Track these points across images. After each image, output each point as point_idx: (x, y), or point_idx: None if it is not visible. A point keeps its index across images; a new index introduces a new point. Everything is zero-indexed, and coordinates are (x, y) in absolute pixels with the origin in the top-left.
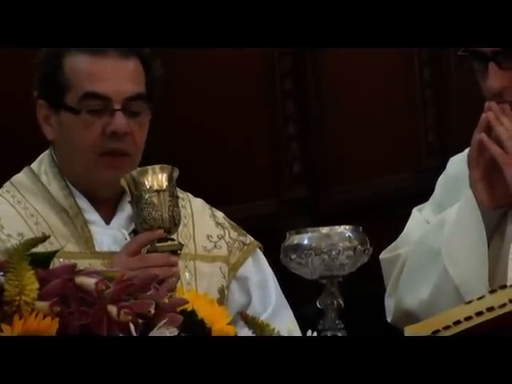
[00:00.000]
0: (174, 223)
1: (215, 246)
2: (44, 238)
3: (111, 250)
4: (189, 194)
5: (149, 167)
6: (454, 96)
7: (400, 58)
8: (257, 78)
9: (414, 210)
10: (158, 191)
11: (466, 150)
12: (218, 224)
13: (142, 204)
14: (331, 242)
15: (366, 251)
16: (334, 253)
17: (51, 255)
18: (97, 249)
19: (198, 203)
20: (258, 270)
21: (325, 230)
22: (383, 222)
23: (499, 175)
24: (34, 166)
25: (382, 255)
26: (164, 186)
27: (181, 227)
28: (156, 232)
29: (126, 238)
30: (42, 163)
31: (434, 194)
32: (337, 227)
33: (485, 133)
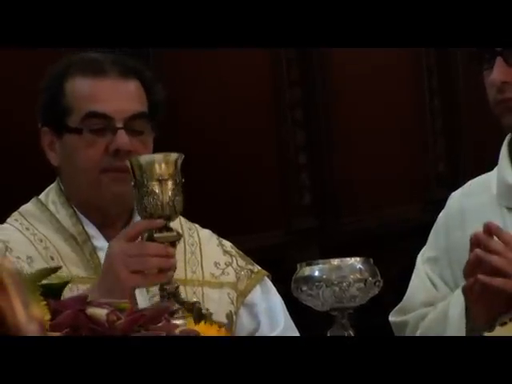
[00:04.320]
0: (175, 211)
1: (223, 273)
2: (55, 269)
3: None
4: (196, 225)
5: (155, 155)
6: (465, 127)
7: (410, 87)
8: (267, 107)
9: (419, 260)
10: (160, 180)
11: (466, 185)
12: (225, 252)
13: (144, 191)
14: (342, 274)
15: (377, 283)
16: (344, 285)
17: (62, 286)
18: None
19: (206, 233)
20: (266, 297)
21: (336, 261)
22: (393, 253)
23: (496, 293)
24: (41, 196)
25: (391, 317)
26: (168, 175)
27: (188, 255)
28: (156, 221)
29: None
30: (50, 193)
31: (435, 236)
32: (348, 259)
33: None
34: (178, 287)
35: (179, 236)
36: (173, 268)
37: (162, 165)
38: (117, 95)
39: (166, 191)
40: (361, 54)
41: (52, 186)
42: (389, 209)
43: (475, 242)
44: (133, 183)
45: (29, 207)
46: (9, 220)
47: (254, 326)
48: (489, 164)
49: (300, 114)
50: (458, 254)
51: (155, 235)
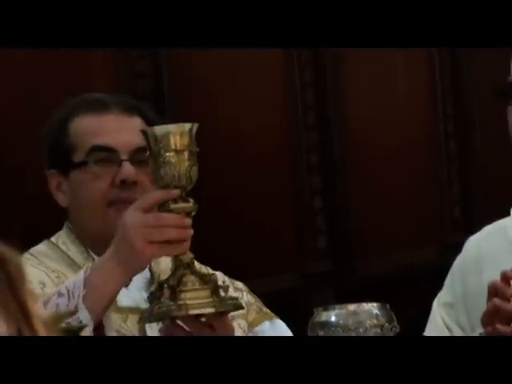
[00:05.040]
0: (191, 181)
1: None
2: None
3: (130, 306)
4: (208, 267)
5: (170, 125)
6: (480, 171)
7: (426, 131)
8: (283, 150)
9: (435, 305)
10: (177, 150)
11: (485, 229)
12: (236, 289)
13: (160, 162)
14: (359, 320)
15: (394, 329)
16: (361, 330)
17: (80, 329)
18: (117, 304)
19: (217, 274)
20: (276, 329)
21: (352, 306)
22: (409, 297)
23: None
24: (52, 238)
25: None
26: (184, 145)
27: None
28: (172, 191)
29: (145, 300)
30: (60, 235)
31: (451, 281)
32: (364, 304)
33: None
34: (193, 258)
35: (195, 207)
36: (189, 238)
37: (177, 135)
38: (121, 129)
39: (182, 161)
40: (376, 96)
41: (62, 230)
42: (404, 252)
43: (493, 291)
44: (148, 154)
45: (39, 247)
46: None
47: None
48: (505, 209)
49: (316, 158)
50: (475, 300)
51: (172, 206)
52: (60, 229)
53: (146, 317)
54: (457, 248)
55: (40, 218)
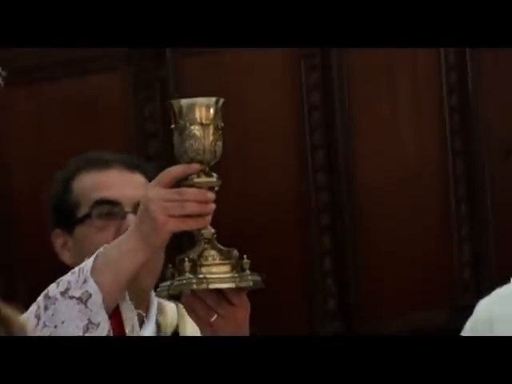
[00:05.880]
0: (215, 156)
1: None
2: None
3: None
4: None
5: (197, 99)
6: (491, 234)
7: (436, 194)
8: (294, 210)
9: None
10: (202, 124)
11: (497, 292)
12: None
13: (186, 135)
14: None
15: None
16: None
17: None
18: None
19: None
20: None
21: None
22: None
23: None
24: None
25: None
26: (209, 119)
27: None
28: (192, 165)
29: None
30: None
31: None
32: None
33: None
34: (214, 233)
35: (219, 182)
36: (210, 213)
37: (203, 108)
38: (123, 183)
39: (207, 135)
40: (387, 158)
41: None
42: (414, 314)
43: None
44: (173, 127)
45: None
46: None
47: None
48: None
49: (327, 219)
50: None
51: (195, 180)
52: None
53: (164, 289)
54: (466, 310)
55: (45, 279)
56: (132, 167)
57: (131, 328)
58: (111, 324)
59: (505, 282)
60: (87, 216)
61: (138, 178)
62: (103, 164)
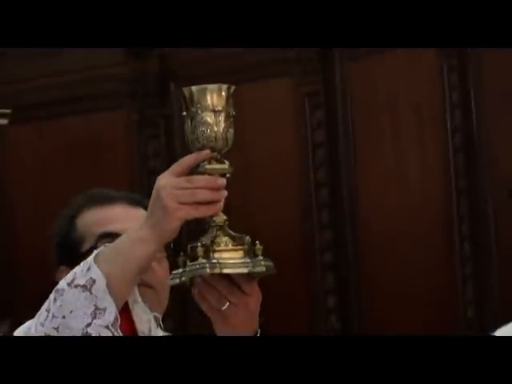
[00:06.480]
0: (227, 144)
1: None
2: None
3: None
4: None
5: (208, 85)
6: (495, 272)
7: (441, 232)
8: (297, 250)
9: None
10: (214, 111)
11: (501, 331)
12: None
13: (197, 122)
14: None
15: None
16: None
17: None
18: None
19: None
20: None
21: None
22: None
23: None
24: None
25: None
26: (221, 106)
27: None
28: (203, 152)
29: None
30: None
31: None
32: None
33: None
34: (226, 220)
35: (231, 169)
36: (222, 200)
37: (215, 94)
38: (127, 218)
39: (219, 122)
40: (390, 196)
41: None
42: None
43: None
44: (185, 114)
45: None
46: None
47: None
48: None
49: (330, 256)
50: None
51: (207, 166)
52: None
53: (177, 276)
54: None
55: None
56: (134, 203)
57: (148, 330)
58: (121, 326)
59: (508, 321)
60: (92, 249)
61: (141, 212)
62: (106, 200)
